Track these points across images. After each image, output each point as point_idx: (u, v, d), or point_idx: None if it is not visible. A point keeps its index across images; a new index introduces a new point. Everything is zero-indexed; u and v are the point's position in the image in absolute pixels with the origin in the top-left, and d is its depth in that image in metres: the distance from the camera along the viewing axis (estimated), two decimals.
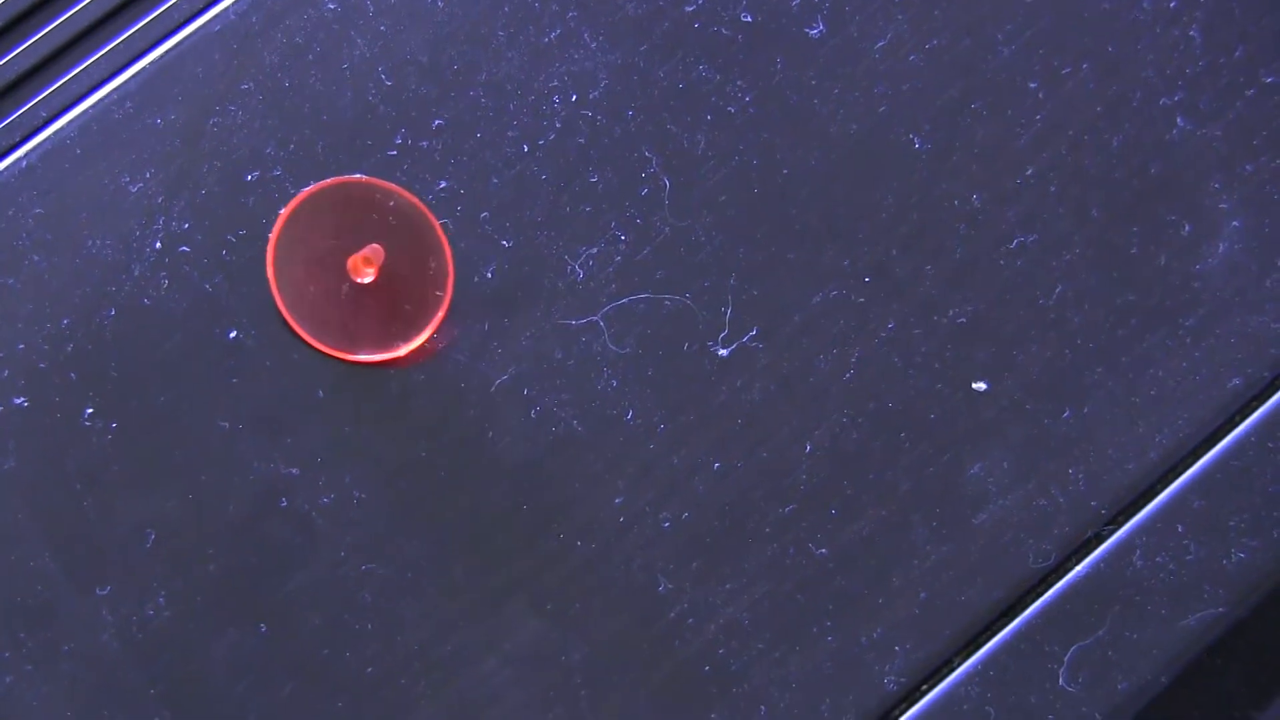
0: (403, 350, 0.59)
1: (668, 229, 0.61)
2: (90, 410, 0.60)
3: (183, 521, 0.59)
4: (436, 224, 0.59)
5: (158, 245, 0.60)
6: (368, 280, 0.57)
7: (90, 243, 0.60)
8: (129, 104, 0.61)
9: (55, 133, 0.61)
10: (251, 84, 0.61)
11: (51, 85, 0.62)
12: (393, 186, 0.59)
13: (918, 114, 0.62)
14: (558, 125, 0.62)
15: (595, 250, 0.61)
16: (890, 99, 0.62)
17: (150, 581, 0.59)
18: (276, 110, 0.61)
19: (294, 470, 0.60)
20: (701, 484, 0.60)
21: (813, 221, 0.61)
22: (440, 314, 0.59)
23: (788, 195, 0.62)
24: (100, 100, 0.61)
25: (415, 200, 0.59)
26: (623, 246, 0.61)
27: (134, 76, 0.62)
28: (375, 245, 0.58)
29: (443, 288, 0.59)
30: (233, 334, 0.60)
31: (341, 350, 0.59)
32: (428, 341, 0.60)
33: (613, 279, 0.61)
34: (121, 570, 0.59)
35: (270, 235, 0.59)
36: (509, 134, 0.62)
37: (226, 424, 0.60)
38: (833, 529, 0.60)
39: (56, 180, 0.61)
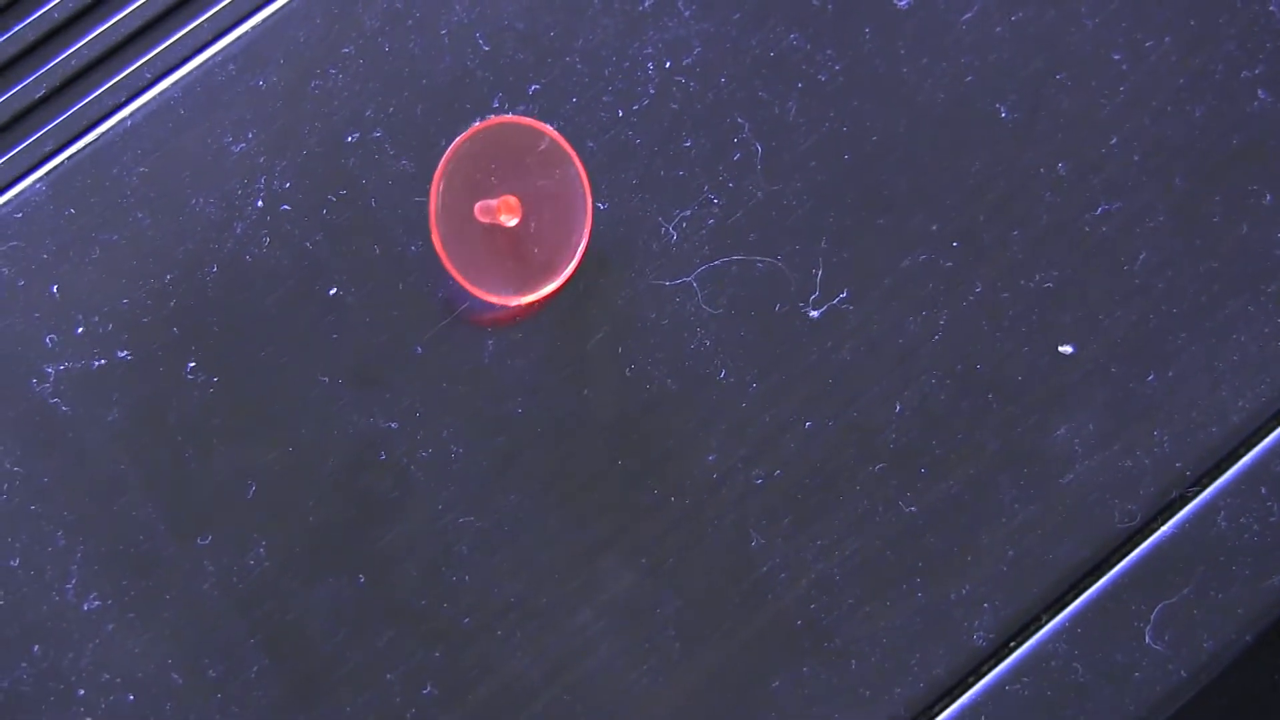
0: (537, 294, 0.60)
1: (760, 193, 0.62)
2: (192, 364, 0.60)
3: (282, 473, 0.60)
4: (584, 175, 0.59)
5: (259, 204, 0.61)
6: (512, 224, 0.58)
7: (193, 201, 0.61)
8: (232, 66, 0.62)
9: (160, 93, 0.62)
10: (352, 48, 0.62)
11: (158, 47, 0.63)
12: (549, 130, 0.59)
13: (1003, 84, 0.63)
14: (652, 91, 0.63)
15: (689, 213, 0.62)
16: (976, 69, 0.63)
17: (250, 532, 0.59)
18: (376, 73, 0.62)
19: (392, 424, 0.60)
20: (793, 442, 0.61)
21: (901, 187, 0.62)
22: (574, 263, 0.60)
23: (877, 162, 0.63)
24: (204, 62, 0.62)
25: (569, 147, 0.59)
26: (715, 210, 0.62)
27: (237, 39, 0.62)
28: (510, 196, 0.58)
29: (580, 236, 0.60)
30: (333, 291, 0.61)
31: (484, 291, 0.59)
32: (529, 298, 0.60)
33: (706, 241, 0.62)
34: (223, 520, 0.59)
35: (438, 167, 0.59)
36: (604, 99, 0.62)
37: (326, 378, 0.60)
38: (922, 487, 0.61)
39: (161, 140, 0.61)
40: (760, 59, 0.63)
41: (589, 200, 0.60)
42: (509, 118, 0.61)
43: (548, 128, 0.60)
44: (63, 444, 0.59)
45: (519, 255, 0.60)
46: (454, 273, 0.59)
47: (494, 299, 0.60)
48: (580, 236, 0.60)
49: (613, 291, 0.61)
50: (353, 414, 0.60)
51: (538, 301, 0.61)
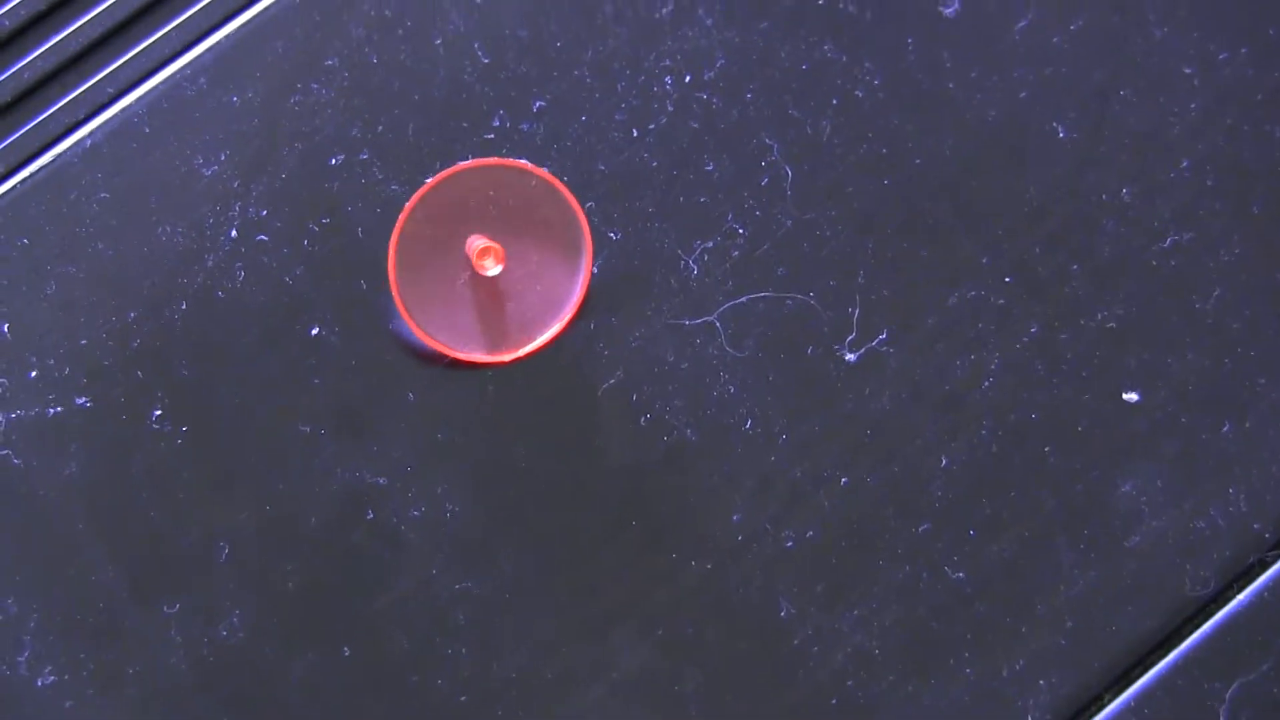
0: (520, 352, 0.55)
1: (790, 222, 0.57)
2: (158, 412, 0.55)
3: (259, 534, 0.55)
4: (582, 216, 0.55)
5: (233, 233, 0.56)
6: (493, 273, 0.53)
7: (160, 230, 0.56)
8: (203, 79, 0.57)
9: (123, 110, 0.57)
10: (336, 59, 0.57)
11: (120, 58, 0.57)
12: (540, 172, 0.55)
13: (1062, 100, 0.58)
14: (670, 108, 0.57)
15: (711, 244, 0.57)
16: (1032, 83, 0.58)
17: (223, 598, 0.55)
18: (363, 89, 0.57)
19: (381, 479, 0.55)
20: (827, 499, 0.56)
21: (947, 215, 0.57)
22: (570, 315, 0.55)
23: (920, 186, 0.57)
24: (172, 75, 0.57)
25: (563, 188, 0.55)
26: (741, 240, 0.57)
27: (209, 50, 0.57)
28: (492, 243, 0.53)
29: (575, 287, 0.55)
30: (314, 330, 0.56)
31: (453, 347, 0.55)
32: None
33: (730, 275, 0.57)
34: (192, 586, 0.55)
35: (397, 221, 0.55)
36: (617, 117, 0.57)
37: (308, 428, 0.55)
38: (970, 550, 0.56)
39: (124, 162, 0.56)
40: (791, 72, 0.57)
41: (588, 240, 0.55)
42: (486, 160, 0.55)
43: (533, 167, 0.55)
44: (14, 500, 0.55)
45: (505, 304, 0.55)
46: (418, 331, 0.54)
47: (477, 357, 0.55)
48: (577, 281, 0.55)
49: (626, 331, 0.56)
50: (337, 468, 0.55)
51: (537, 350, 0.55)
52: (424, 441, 0.56)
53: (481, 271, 0.53)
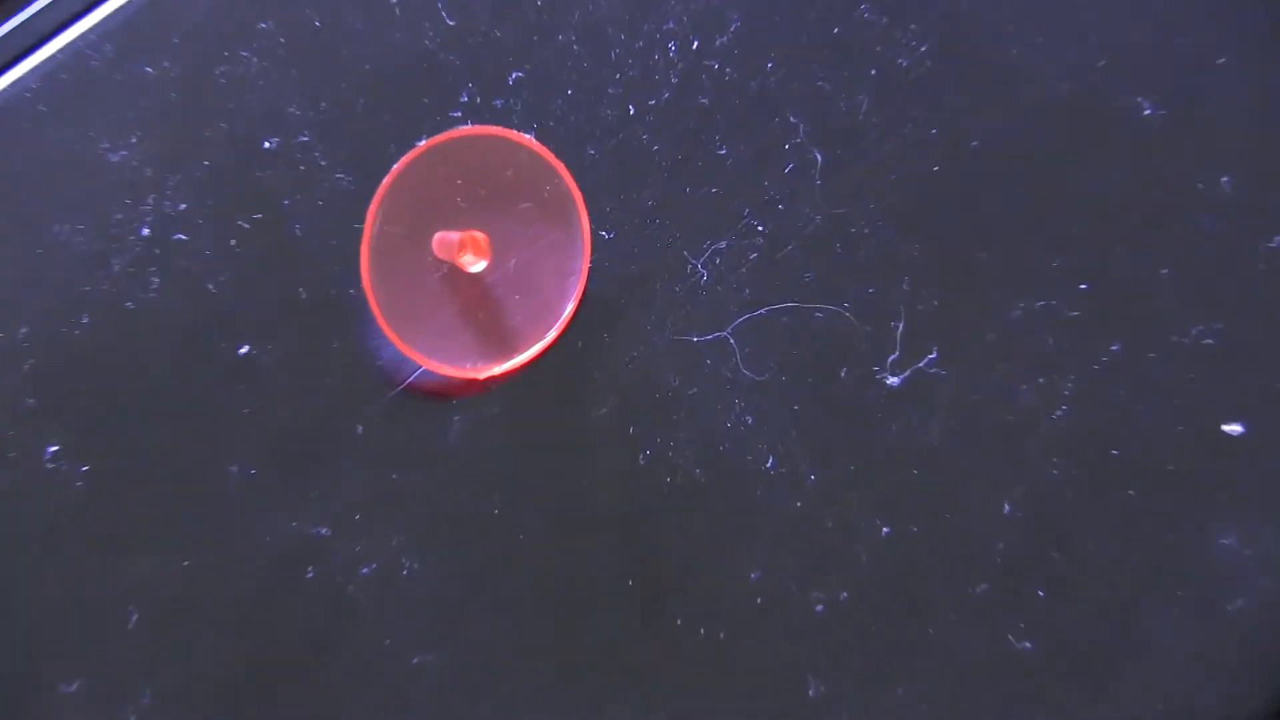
0: (495, 370, 0.46)
1: (819, 217, 0.48)
2: (54, 448, 0.47)
3: (176, 596, 0.46)
4: (582, 204, 0.46)
5: (145, 232, 0.48)
6: (476, 269, 0.44)
7: (56, 228, 0.48)
8: (109, 47, 0.48)
9: (12, 83, 0.48)
10: (271, 22, 0.49)
11: (8, 21, 0.49)
12: (527, 141, 0.46)
13: (1146, 72, 0.49)
14: (674, 80, 0.49)
15: (724, 244, 0.48)
16: (1110, 50, 0.49)
17: (132, 675, 0.46)
18: (303, 57, 0.48)
19: (323, 529, 0.47)
20: (864, 554, 0.47)
21: (1011, 210, 0.48)
22: (558, 329, 0.46)
23: (977, 175, 0.49)
24: (73, 41, 0.48)
25: (559, 165, 0.46)
26: (760, 240, 0.48)
27: (117, 10, 0.49)
28: (474, 233, 0.44)
29: (566, 294, 0.46)
30: (244, 349, 0.47)
31: (429, 358, 0.46)
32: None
33: (747, 282, 0.48)
34: (96, 660, 0.46)
35: (371, 203, 0.47)
36: (610, 91, 0.49)
37: (235, 468, 0.47)
38: (1039, 615, 0.47)
39: (13, 145, 0.48)
40: (820, 38, 0.49)
41: (586, 228, 0.46)
42: (471, 129, 0.47)
43: (525, 138, 0.46)
44: None
45: (490, 308, 0.46)
46: (394, 338, 0.46)
47: (452, 371, 0.46)
48: (572, 281, 0.46)
49: (622, 350, 0.48)
50: (272, 516, 0.47)
51: (517, 368, 0.46)
52: (376, 483, 0.47)
53: (464, 268, 0.44)
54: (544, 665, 0.46)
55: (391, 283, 0.46)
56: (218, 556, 0.46)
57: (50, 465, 0.46)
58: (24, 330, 0.47)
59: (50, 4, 0.48)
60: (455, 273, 0.46)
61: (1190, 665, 0.46)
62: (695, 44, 0.48)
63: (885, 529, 0.47)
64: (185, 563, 0.46)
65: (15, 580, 0.46)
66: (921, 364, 0.48)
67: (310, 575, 0.46)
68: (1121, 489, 0.47)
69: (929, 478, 0.47)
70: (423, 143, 0.46)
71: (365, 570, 0.46)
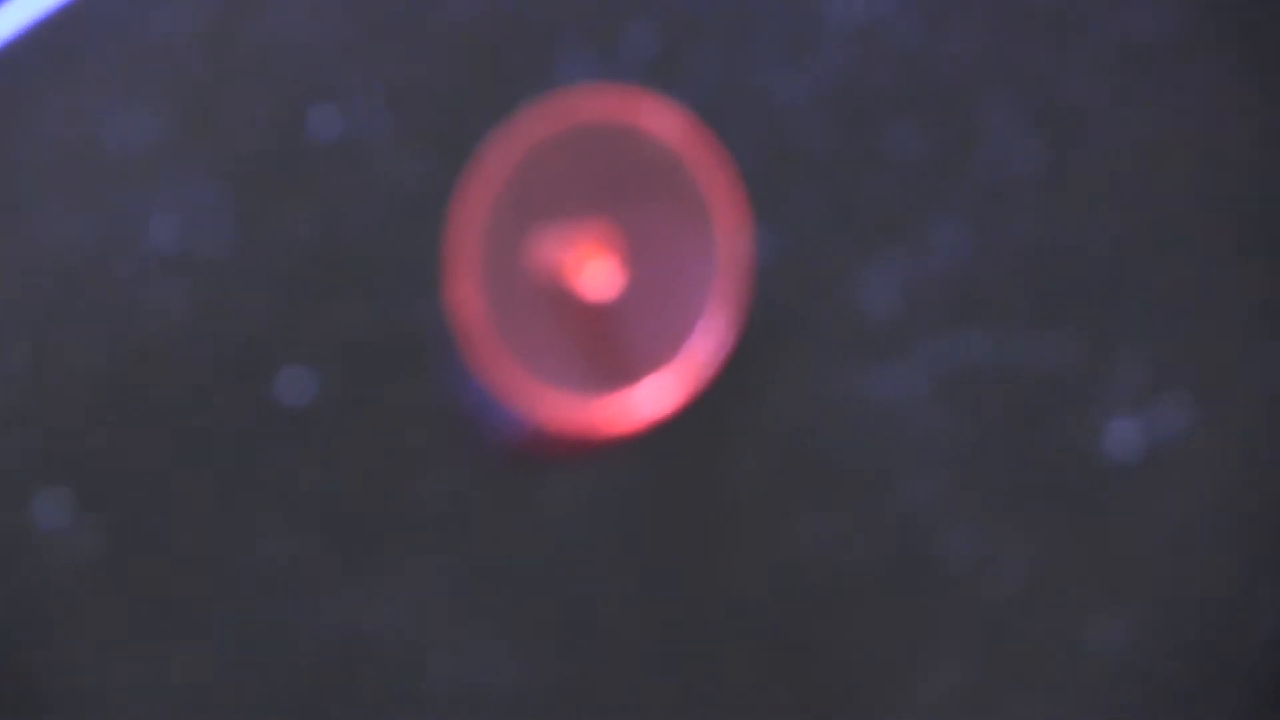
0: (635, 417, 0.39)
1: (1030, 219, 0.40)
2: (50, 504, 0.40)
3: (201, 696, 0.40)
4: (734, 201, 0.39)
5: (164, 230, 0.40)
6: (602, 298, 0.38)
7: (46, 227, 0.40)
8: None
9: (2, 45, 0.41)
10: None
11: None
12: (671, 119, 0.39)
13: None
14: (843, 48, 0.40)
15: (903, 250, 0.40)
16: None
17: None
18: (363, 15, 0.41)
19: (388, 622, 0.40)
20: (1093, 648, 0.39)
21: None
22: (711, 361, 0.39)
23: (1253, 174, 0.40)
24: None
25: (707, 151, 0.39)
26: (949, 251, 0.40)
27: None
28: (602, 248, 0.38)
29: (718, 319, 0.39)
30: (288, 386, 0.40)
31: (534, 404, 0.39)
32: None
33: (934, 306, 0.40)
34: None
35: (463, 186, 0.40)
36: (762, 59, 0.40)
37: (277, 540, 0.40)
38: None
39: (6, 116, 0.41)
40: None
41: (740, 235, 0.38)
42: (588, 100, 0.39)
43: (665, 110, 0.39)
44: None
45: (614, 340, 0.39)
46: (488, 376, 0.39)
47: (566, 423, 0.38)
48: (720, 307, 0.38)
49: (769, 388, 0.40)
50: (320, 596, 0.40)
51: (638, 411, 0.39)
52: (449, 560, 0.40)
53: (583, 294, 0.37)
54: None
55: (483, 304, 0.38)
56: (255, 650, 0.40)
57: (40, 523, 0.40)
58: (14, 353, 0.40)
59: None
60: (567, 293, 0.38)
61: None
62: None
63: (1117, 635, 0.38)
64: (214, 653, 0.40)
65: (6, 670, 0.40)
66: (1165, 417, 0.39)
67: (370, 676, 0.39)
68: None
69: (1175, 566, 0.39)
70: (524, 118, 0.38)
71: (437, 673, 0.39)
